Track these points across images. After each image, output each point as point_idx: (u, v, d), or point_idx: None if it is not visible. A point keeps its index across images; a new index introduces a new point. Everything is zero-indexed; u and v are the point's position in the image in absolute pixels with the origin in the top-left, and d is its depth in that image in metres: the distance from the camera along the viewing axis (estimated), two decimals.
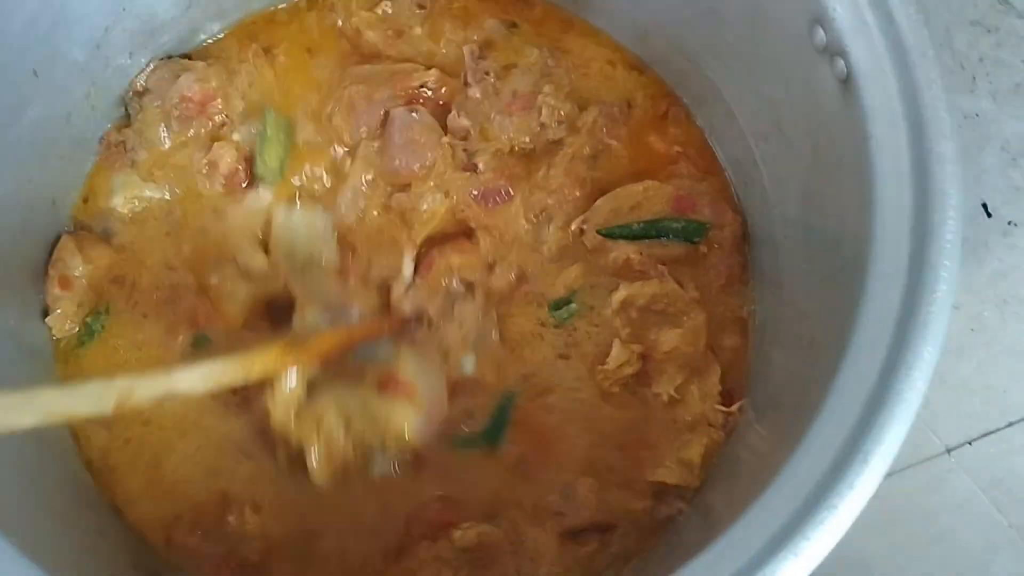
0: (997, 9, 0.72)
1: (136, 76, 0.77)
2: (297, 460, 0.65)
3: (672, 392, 0.70)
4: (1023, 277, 0.86)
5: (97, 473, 0.70)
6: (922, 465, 1.13)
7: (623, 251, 0.73)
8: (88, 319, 0.73)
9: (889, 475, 1.06)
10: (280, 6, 0.81)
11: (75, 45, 0.69)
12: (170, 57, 0.78)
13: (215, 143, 0.75)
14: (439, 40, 0.81)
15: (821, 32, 0.57)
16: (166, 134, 0.76)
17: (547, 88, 0.76)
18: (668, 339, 0.70)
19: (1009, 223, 0.85)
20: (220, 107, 0.76)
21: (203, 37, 0.80)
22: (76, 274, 0.72)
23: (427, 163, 0.76)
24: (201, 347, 0.72)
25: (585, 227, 0.74)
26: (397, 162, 0.76)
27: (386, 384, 0.67)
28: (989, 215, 0.86)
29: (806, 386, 0.53)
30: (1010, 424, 1.00)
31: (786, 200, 0.67)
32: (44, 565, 0.49)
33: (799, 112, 0.63)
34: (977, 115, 0.81)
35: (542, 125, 0.75)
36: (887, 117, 0.54)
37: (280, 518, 0.68)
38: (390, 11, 0.80)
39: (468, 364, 0.72)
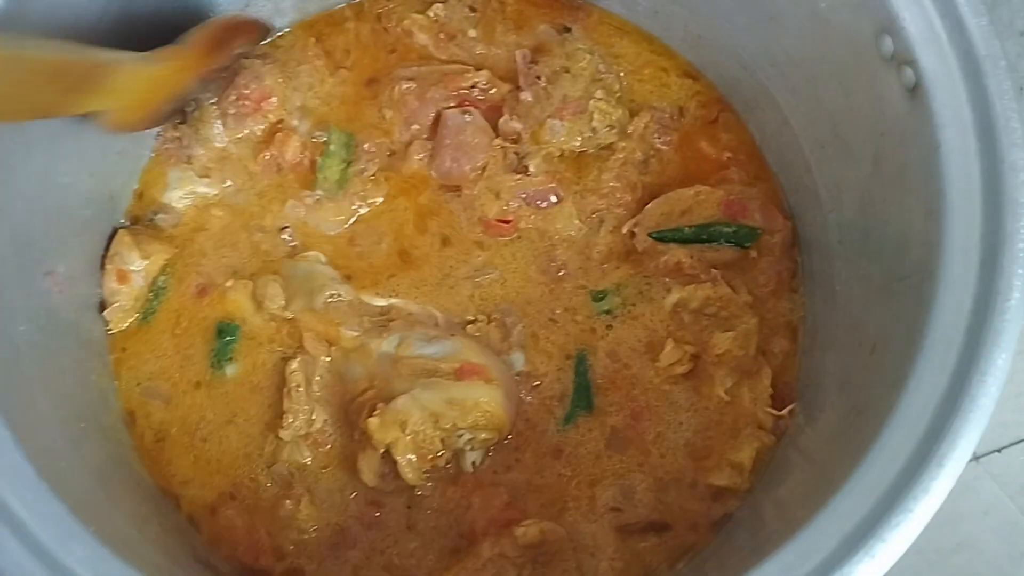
0: None
1: None
2: (386, 470, 0.67)
3: (723, 394, 0.70)
4: None
5: (149, 456, 0.71)
6: None
7: (674, 255, 0.73)
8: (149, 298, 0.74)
9: None
10: (337, 7, 0.82)
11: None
12: None
13: (277, 134, 0.76)
14: (491, 43, 0.81)
15: (889, 41, 0.58)
16: (221, 131, 0.77)
17: (599, 93, 0.76)
18: (720, 342, 0.71)
19: None
20: (275, 105, 0.77)
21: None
22: (133, 268, 0.72)
23: (478, 165, 0.76)
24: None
25: (636, 230, 0.74)
26: (449, 164, 0.77)
27: (462, 372, 0.68)
28: None
29: (866, 392, 0.53)
30: None
31: (842, 206, 0.68)
32: (123, 557, 0.50)
33: (861, 120, 0.63)
34: None
35: (593, 130, 0.76)
36: (957, 125, 0.54)
37: (339, 514, 0.68)
38: (442, 14, 0.81)
39: (518, 361, 0.73)
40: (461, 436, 0.67)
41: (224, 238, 0.76)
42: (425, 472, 0.66)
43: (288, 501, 0.68)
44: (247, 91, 0.76)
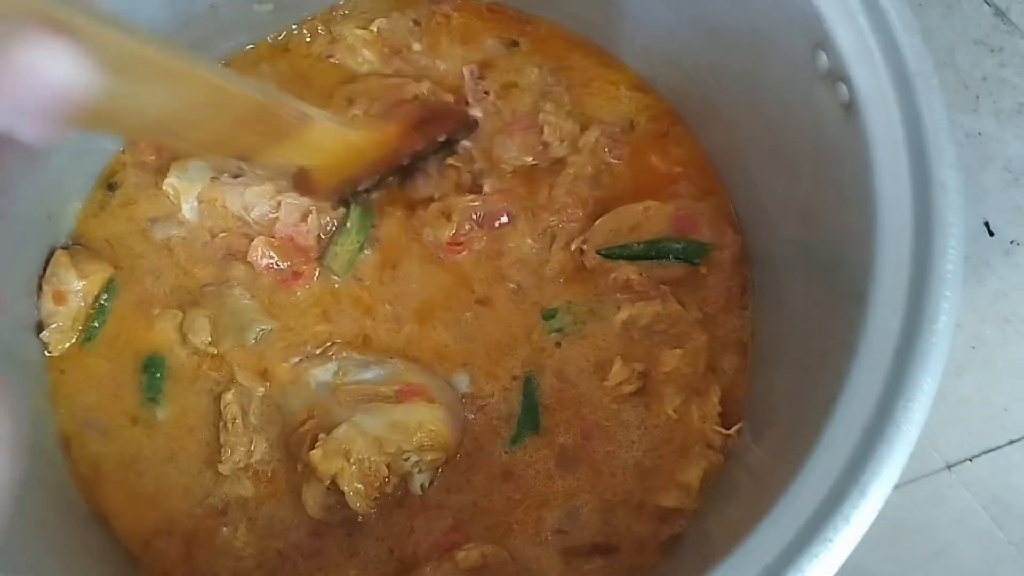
0: (1000, 29, 0.72)
1: None
2: (331, 501, 0.66)
3: (672, 413, 0.69)
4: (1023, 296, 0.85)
5: (84, 482, 0.70)
6: (923, 480, 1.13)
7: (624, 272, 0.72)
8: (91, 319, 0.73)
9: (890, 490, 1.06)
10: (270, 38, 0.82)
11: None
12: None
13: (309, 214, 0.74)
14: (437, 56, 0.81)
15: (824, 56, 0.57)
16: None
17: (548, 107, 0.75)
18: (669, 359, 0.70)
19: (1011, 242, 0.85)
20: None
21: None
22: (71, 289, 0.71)
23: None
24: None
25: (585, 247, 0.73)
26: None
27: (402, 394, 0.67)
28: (991, 234, 0.86)
29: (805, 411, 0.53)
30: (1011, 442, 1.00)
31: (786, 221, 0.67)
32: None
33: (800, 135, 0.63)
34: (980, 134, 0.81)
35: (545, 144, 0.75)
36: (889, 143, 0.53)
37: (279, 542, 0.67)
38: (385, 28, 0.80)
39: (463, 383, 0.71)
40: (408, 459, 0.66)
41: (169, 261, 0.75)
42: (374, 499, 0.65)
43: (225, 528, 0.67)
44: None
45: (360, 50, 0.79)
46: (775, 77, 0.63)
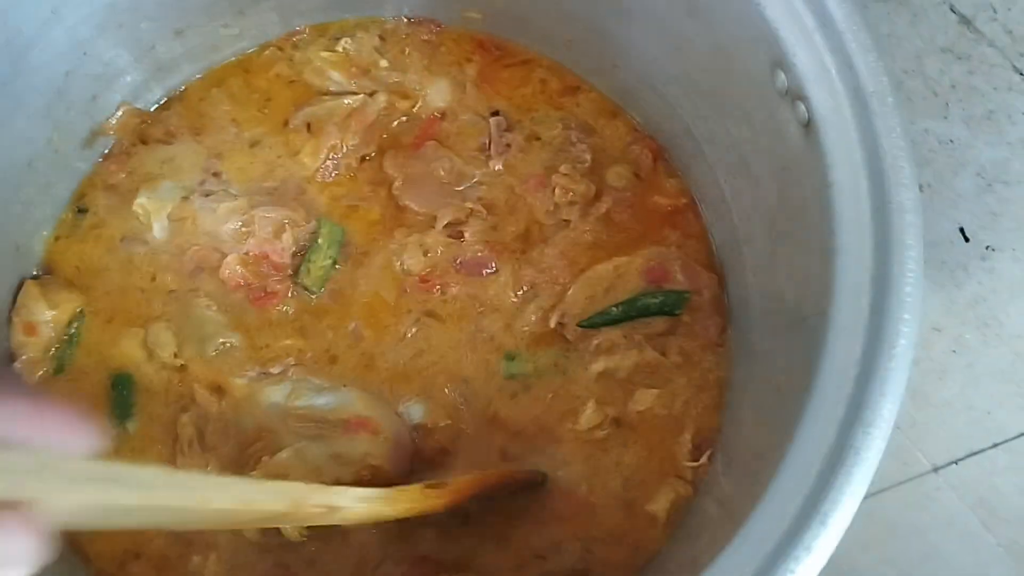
0: (967, 37, 0.72)
1: (105, 120, 0.76)
2: None
3: (642, 449, 0.70)
4: (1001, 301, 0.85)
5: None
6: (910, 483, 1.13)
7: (607, 337, 0.71)
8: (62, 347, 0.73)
9: (879, 492, 1.07)
10: (245, 54, 0.81)
11: (35, 92, 0.68)
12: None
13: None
14: (405, 71, 0.80)
15: (783, 75, 0.57)
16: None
17: (564, 167, 0.76)
18: (644, 398, 0.70)
19: (987, 248, 0.84)
20: None
21: (172, 82, 0.80)
22: (41, 319, 0.71)
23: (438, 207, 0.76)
24: None
25: (565, 320, 0.72)
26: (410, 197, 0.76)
27: (349, 426, 0.67)
28: (967, 239, 0.86)
29: (771, 439, 0.52)
30: (995, 445, 0.99)
31: (754, 239, 0.67)
32: None
33: (764, 152, 0.62)
34: (951, 141, 0.80)
35: (555, 205, 0.76)
36: (848, 164, 0.53)
37: (247, 573, 0.67)
38: (351, 47, 0.80)
39: (416, 413, 0.71)
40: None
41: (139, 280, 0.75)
42: (306, 528, 0.65)
43: (196, 556, 0.67)
44: None
45: (327, 72, 0.79)
46: (739, 96, 0.63)
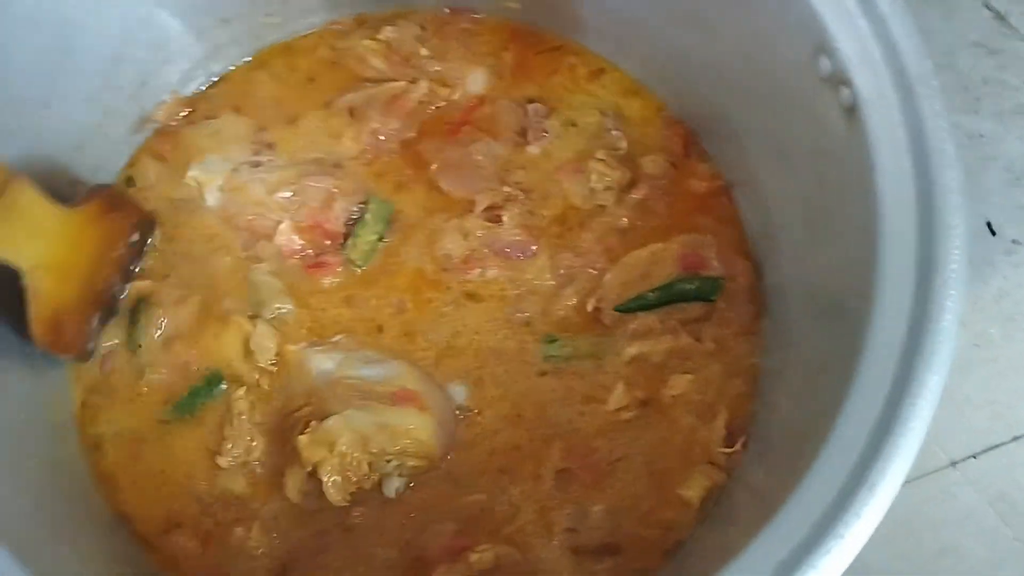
0: (999, 32, 0.73)
1: (153, 109, 0.78)
2: (311, 488, 0.67)
3: (677, 433, 0.70)
4: None
5: (106, 485, 0.71)
6: (928, 478, 1.13)
7: (643, 322, 0.72)
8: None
9: None
10: (295, 37, 0.83)
11: (85, 77, 0.70)
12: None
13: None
14: (445, 60, 0.82)
15: (826, 61, 0.58)
16: None
17: (600, 152, 0.77)
18: (678, 383, 0.71)
19: (1013, 242, 0.85)
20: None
21: (217, 68, 0.81)
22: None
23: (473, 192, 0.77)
24: None
25: (602, 305, 0.73)
26: (451, 181, 0.78)
27: (397, 397, 0.68)
28: (993, 233, 0.87)
29: (811, 418, 0.53)
30: (1015, 439, 1.00)
31: (791, 225, 0.68)
32: None
33: (803, 138, 0.63)
34: (981, 135, 0.81)
35: (591, 190, 0.77)
36: (892, 146, 0.54)
37: (286, 541, 0.68)
38: (393, 36, 0.81)
39: (459, 394, 0.72)
40: (389, 461, 0.67)
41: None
42: (351, 493, 0.66)
43: (239, 528, 0.68)
44: None
45: (369, 59, 0.81)
46: (778, 81, 0.64)
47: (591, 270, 0.75)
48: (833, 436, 0.49)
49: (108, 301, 0.71)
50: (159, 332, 0.72)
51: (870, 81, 0.55)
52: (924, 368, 0.48)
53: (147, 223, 0.74)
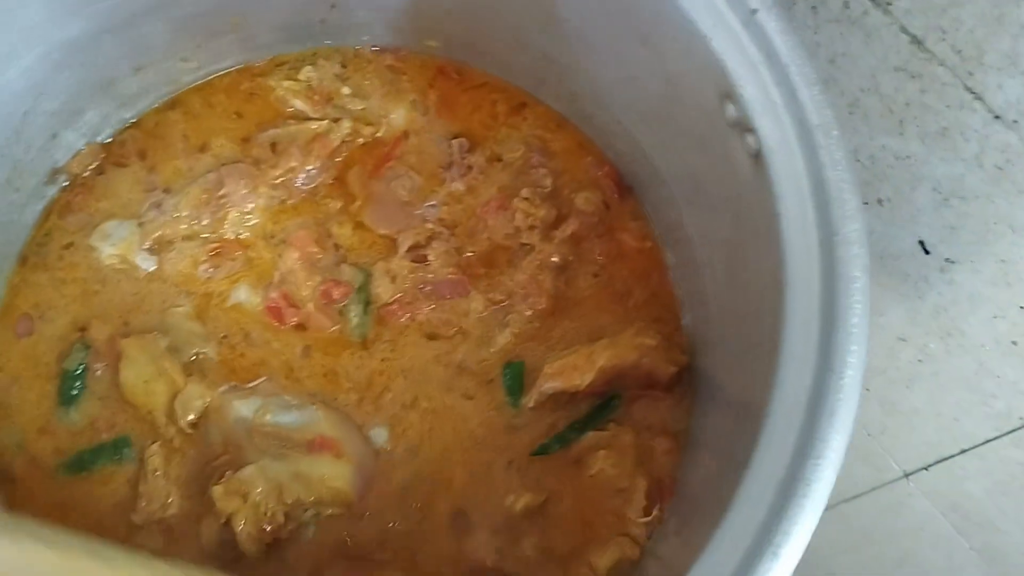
0: (919, 56, 0.73)
1: (64, 157, 0.77)
2: (226, 537, 0.66)
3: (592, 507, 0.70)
4: (963, 311, 0.86)
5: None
6: (883, 489, 1.14)
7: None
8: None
9: (853, 498, 1.08)
10: (208, 79, 0.81)
11: None
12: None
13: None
14: (367, 97, 0.81)
15: (731, 107, 0.57)
16: None
17: (525, 191, 0.76)
18: (594, 463, 0.71)
19: (947, 260, 0.85)
20: None
21: (129, 115, 0.79)
22: None
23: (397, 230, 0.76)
24: None
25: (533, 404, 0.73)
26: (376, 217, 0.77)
27: (313, 445, 0.68)
28: (927, 252, 0.87)
29: (725, 479, 0.53)
30: (963, 451, 1.00)
31: (714, 267, 0.67)
32: None
33: (719, 181, 0.63)
34: (908, 156, 0.81)
35: (516, 228, 0.76)
36: (795, 195, 0.53)
37: None
38: (313, 75, 0.80)
39: (380, 437, 0.72)
40: (307, 510, 0.67)
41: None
42: (266, 544, 0.66)
43: None
44: None
45: (291, 101, 0.80)
46: (691, 124, 0.64)
47: (527, 311, 0.74)
48: (739, 499, 0.49)
49: None
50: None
51: (773, 128, 0.55)
52: (827, 426, 0.48)
53: None
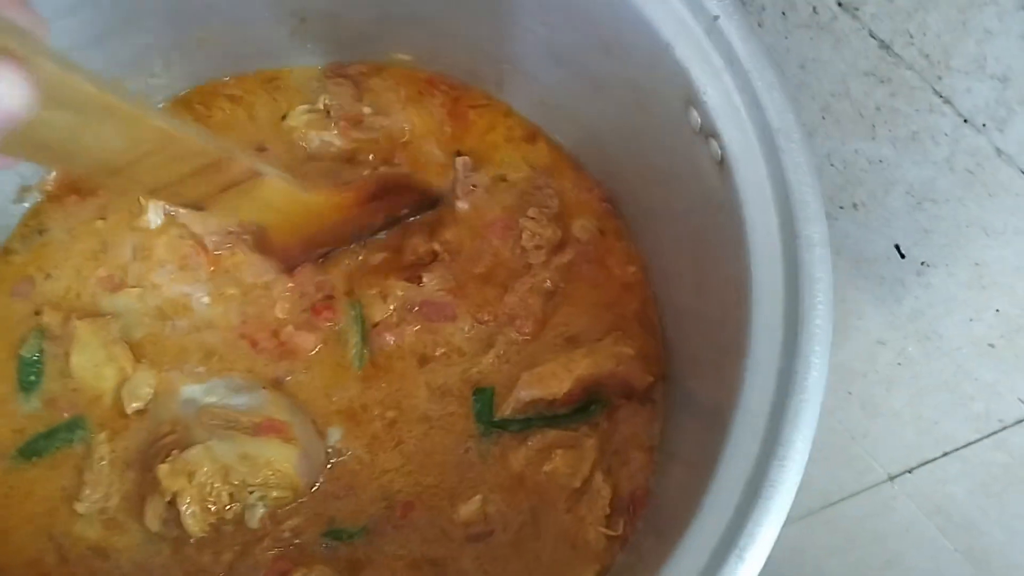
0: (887, 61, 0.73)
1: (36, 176, 0.76)
2: (170, 516, 0.66)
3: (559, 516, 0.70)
4: (939, 314, 0.86)
5: None
6: (868, 492, 1.14)
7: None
8: None
9: (838, 501, 1.08)
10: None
11: None
12: None
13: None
14: (389, 115, 0.80)
15: (695, 113, 0.58)
16: None
17: (532, 211, 0.76)
18: (555, 461, 0.71)
19: (922, 263, 0.86)
20: None
21: None
22: None
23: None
24: None
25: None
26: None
27: (260, 428, 0.68)
28: (903, 256, 0.87)
29: (694, 484, 0.53)
30: (945, 454, 1.01)
31: (683, 275, 0.68)
32: None
33: (687, 190, 0.63)
34: (880, 160, 0.81)
35: (522, 249, 0.75)
36: (759, 200, 0.54)
37: None
38: (333, 102, 0.79)
39: (334, 435, 0.72)
40: (252, 492, 0.67)
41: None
42: (210, 524, 0.66)
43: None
44: None
45: (316, 134, 0.78)
46: (657, 132, 0.64)
47: (513, 333, 0.74)
48: (704, 503, 0.49)
49: (345, 241, 0.72)
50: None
51: (736, 134, 0.55)
52: (791, 428, 0.48)
53: (426, 202, 0.74)
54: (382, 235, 0.74)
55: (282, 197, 0.61)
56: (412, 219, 0.75)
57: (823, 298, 0.50)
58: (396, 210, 0.72)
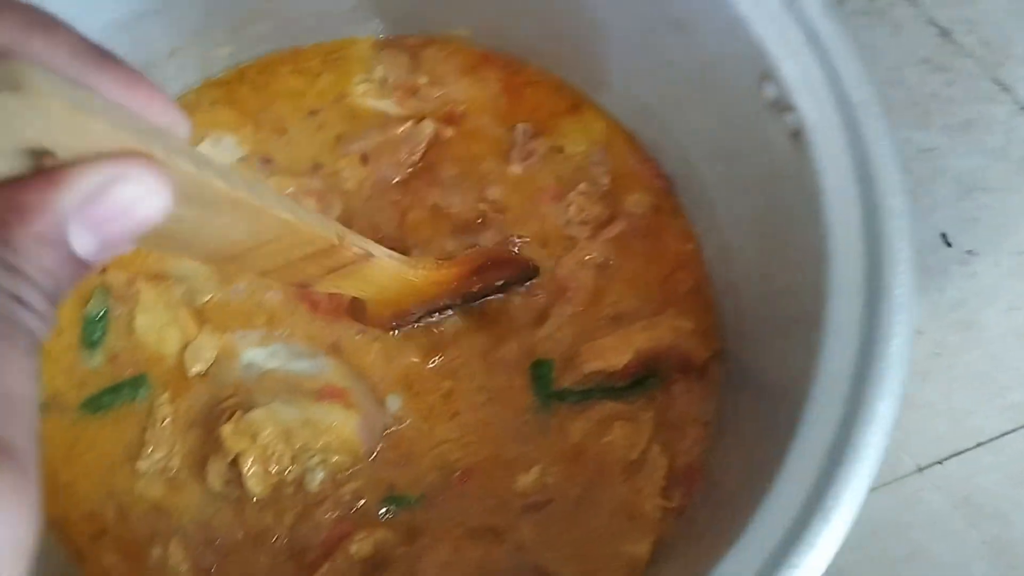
0: (945, 49, 0.74)
1: None
2: (232, 477, 0.67)
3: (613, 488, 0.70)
4: (982, 304, 0.87)
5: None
6: (895, 483, 1.15)
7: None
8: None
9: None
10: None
11: None
12: None
13: None
14: (445, 86, 0.81)
15: (770, 87, 0.58)
16: None
17: (582, 185, 0.76)
18: (613, 432, 0.70)
19: (967, 252, 0.86)
20: None
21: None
22: None
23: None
24: None
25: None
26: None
27: (322, 393, 0.69)
28: (949, 244, 0.88)
29: (765, 453, 0.53)
30: (978, 444, 1.01)
31: (745, 250, 0.68)
32: None
33: (753, 163, 0.64)
34: (932, 149, 0.82)
35: (567, 222, 0.76)
36: (837, 171, 0.54)
37: (208, 550, 0.68)
38: (389, 73, 0.80)
39: (394, 403, 0.72)
40: (312, 456, 0.68)
41: None
42: (271, 484, 0.67)
43: (156, 548, 0.67)
44: None
45: (373, 102, 0.79)
46: (726, 106, 0.65)
47: (565, 307, 0.74)
48: (785, 467, 0.49)
49: (436, 309, 0.72)
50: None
51: (813, 107, 0.55)
52: (874, 394, 0.49)
53: (525, 275, 0.74)
54: (475, 304, 0.74)
55: (387, 276, 0.62)
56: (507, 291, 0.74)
57: (905, 268, 0.51)
58: (493, 281, 0.72)
